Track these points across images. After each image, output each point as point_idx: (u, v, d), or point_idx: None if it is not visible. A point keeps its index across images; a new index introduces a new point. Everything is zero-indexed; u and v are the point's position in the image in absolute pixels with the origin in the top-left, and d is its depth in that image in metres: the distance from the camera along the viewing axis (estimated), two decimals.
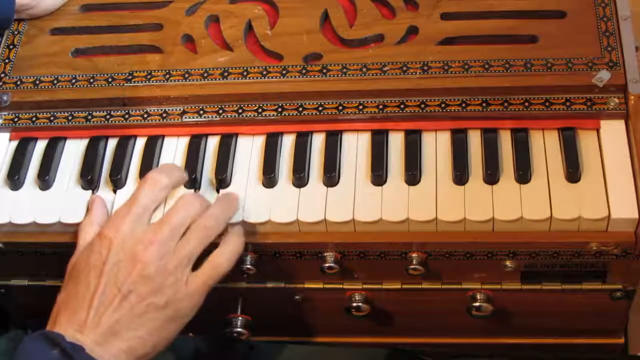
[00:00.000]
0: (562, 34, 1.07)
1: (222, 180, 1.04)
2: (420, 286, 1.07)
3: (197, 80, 1.09)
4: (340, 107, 1.06)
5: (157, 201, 0.96)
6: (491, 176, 1.00)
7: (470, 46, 1.08)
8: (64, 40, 1.16)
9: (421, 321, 1.13)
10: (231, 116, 1.08)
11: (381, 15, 1.13)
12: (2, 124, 1.11)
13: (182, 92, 1.09)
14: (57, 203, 1.05)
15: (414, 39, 1.10)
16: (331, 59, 1.09)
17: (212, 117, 1.08)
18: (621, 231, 0.97)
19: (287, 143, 1.07)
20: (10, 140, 1.11)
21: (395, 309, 1.11)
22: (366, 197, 1.01)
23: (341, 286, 1.08)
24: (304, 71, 1.08)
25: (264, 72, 1.09)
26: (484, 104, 1.04)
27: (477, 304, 1.05)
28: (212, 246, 0.96)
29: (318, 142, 1.06)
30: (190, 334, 1.07)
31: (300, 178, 1.03)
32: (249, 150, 1.07)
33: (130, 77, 1.10)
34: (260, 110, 1.07)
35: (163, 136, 1.09)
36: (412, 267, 1.01)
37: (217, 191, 1.04)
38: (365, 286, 1.07)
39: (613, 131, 1.02)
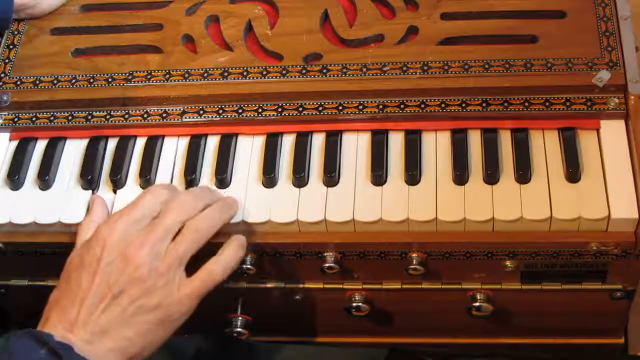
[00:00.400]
0: (562, 34, 1.07)
1: (222, 180, 1.04)
2: (420, 286, 1.07)
3: (197, 80, 1.09)
4: (340, 107, 1.06)
5: (156, 212, 0.95)
6: (491, 176, 1.00)
7: (470, 46, 1.08)
8: (64, 40, 1.16)
9: (421, 321, 1.13)
10: (231, 116, 1.08)
11: (381, 15, 1.13)
12: (2, 124, 1.11)
13: (182, 92, 1.09)
14: (57, 203, 1.05)
15: (414, 39, 1.10)
16: (331, 59, 1.09)
17: (212, 117, 1.08)
18: (621, 231, 0.97)
19: (287, 143, 1.07)
20: (10, 140, 1.11)
21: (395, 309, 1.11)
22: (366, 197, 1.01)
23: (341, 286, 1.08)
24: (304, 71, 1.08)
25: (264, 72, 1.09)
26: (484, 104, 1.04)
27: (477, 304, 1.05)
28: (212, 248, 0.97)
29: (318, 142, 1.06)
30: (189, 334, 1.07)
31: (300, 178, 1.03)
32: (249, 150, 1.07)
33: (130, 77, 1.10)
34: (260, 110, 1.07)
35: (163, 136, 1.09)
36: (412, 267, 1.01)
37: None
38: (365, 286, 1.07)
39: (613, 131, 1.02)
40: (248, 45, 1.13)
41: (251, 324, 1.09)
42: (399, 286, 1.07)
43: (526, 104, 1.03)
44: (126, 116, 1.09)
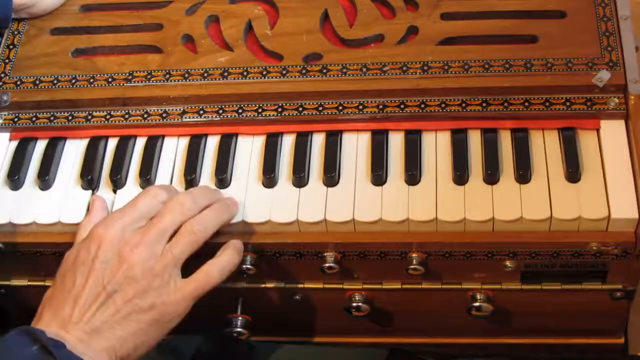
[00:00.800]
0: (562, 34, 1.07)
1: (222, 180, 1.04)
2: (420, 286, 1.07)
3: (197, 80, 1.09)
4: (340, 107, 1.06)
5: (153, 212, 0.95)
6: (491, 176, 1.00)
7: (470, 46, 1.08)
8: (64, 40, 1.16)
9: (421, 321, 1.13)
10: (231, 116, 1.08)
11: (381, 15, 1.13)
12: (2, 124, 1.11)
13: (182, 92, 1.09)
14: (57, 203, 1.05)
15: (414, 39, 1.10)
16: (331, 59, 1.09)
17: (212, 117, 1.08)
18: (621, 231, 0.97)
19: (287, 143, 1.07)
20: (10, 140, 1.11)
21: (395, 309, 1.11)
22: (366, 197, 1.01)
23: (341, 286, 1.08)
24: (304, 71, 1.08)
25: (264, 72, 1.09)
26: (484, 104, 1.04)
27: (477, 304, 1.05)
28: (212, 249, 0.97)
29: (318, 142, 1.06)
30: (189, 334, 1.07)
31: (300, 178, 1.03)
32: (249, 150, 1.07)
33: (130, 77, 1.10)
34: (260, 110, 1.07)
35: (163, 136, 1.09)
36: (412, 267, 1.01)
37: None
38: (365, 286, 1.07)
39: (613, 131, 1.02)
40: (248, 45, 1.13)
41: (251, 324, 1.09)
42: (399, 286, 1.07)
43: (526, 104, 1.03)
44: (126, 116, 1.09)
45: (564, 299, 1.06)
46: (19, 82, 1.12)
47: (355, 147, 1.05)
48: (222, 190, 1.03)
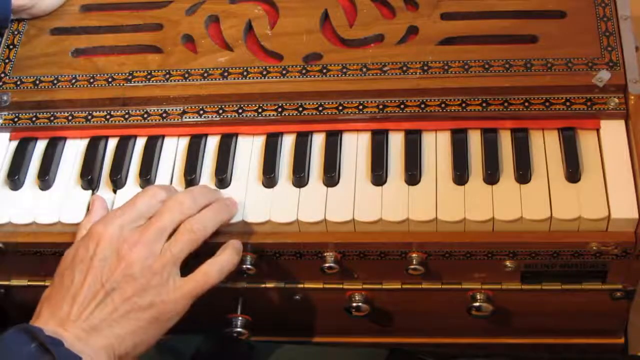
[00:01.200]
0: (562, 34, 1.07)
1: (222, 180, 1.04)
2: (420, 286, 1.07)
3: (197, 80, 1.09)
4: (340, 107, 1.06)
5: (152, 211, 0.95)
6: (491, 176, 1.00)
7: (470, 46, 1.08)
8: (64, 40, 1.16)
9: (421, 321, 1.13)
10: (231, 116, 1.08)
11: (381, 15, 1.13)
12: (2, 124, 1.11)
13: (182, 92, 1.09)
14: (57, 203, 1.05)
15: (414, 39, 1.10)
16: (331, 59, 1.09)
17: (212, 117, 1.08)
18: (621, 231, 0.97)
19: (287, 143, 1.07)
20: (10, 140, 1.11)
21: (395, 309, 1.11)
22: (366, 197, 1.01)
23: (341, 286, 1.08)
24: (304, 71, 1.08)
25: (264, 72, 1.09)
26: (484, 104, 1.04)
27: (477, 304, 1.05)
28: (212, 248, 0.97)
29: (318, 142, 1.06)
30: (189, 334, 1.07)
31: (300, 178, 1.03)
32: (249, 150, 1.07)
33: (130, 77, 1.10)
34: (260, 110, 1.07)
35: (163, 136, 1.09)
36: (412, 267, 1.01)
37: None
38: (365, 286, 1.07)
39: (613, 131, 1.02)
40: (248, 45, 1.13)
41: (251, 324, 1.09)
42: (399, 286, 1.07)
43: (526, 104, 1.03)
44: (126, 116, 1.09)
45: (564, 299, 1.06)
46: (19, 82, 1.12)
47: (355, 147, 1.05)
48: (222, 190, 1.03)
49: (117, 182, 1.06)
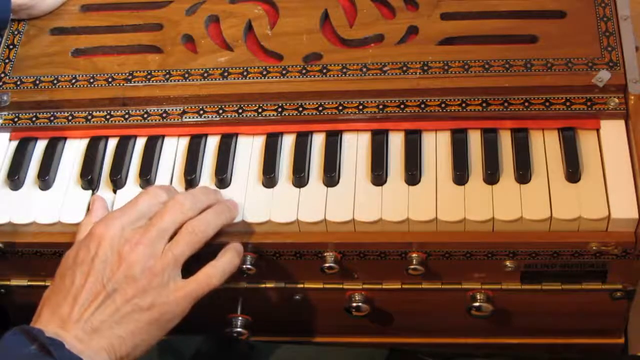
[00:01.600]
0: (562, 34, 1.07)
1: (222, 180, 1.04)
2: (420, 286, 1.07)
3: (197, 80, 1.09)
4: (340, 107, 1.06)
5: (153, 212, 0.95)
6: (491, 176, 1.00)
7: (470, 46, 1.08)
8: (64, 40, 1.16)
9: (421, 321, 1.13)
10: (231, 116, 1.08)
11: (381, 15, 1.13)
12: (2, 124, 1.11)
13: (182, 92, 1.09)
14: (57, 203, 1.05)
15: (414, 39, 1.10)
16: (331, 59, 1.09)
17: (212, 117, 1.08)
18: (621, 231, 0.97)
19: (287, 143, 1.07)
20: (10, 140, 1.11)
21: (395, 309, 1.11)
22: (366, 197, 1.01)
23: (341, 286, 1.08)
24: (304, 71, 1.08)
25: (264, 72, 1.09)
26: (484, 104, 1.04)
27: (477, 304, 1.05)
28: (213, 249, 0.97)
29: (318, 142, 1.06)
30: (189, 334, 1.07)
31: (300, 178, 1.03)
32: (249, 150, 1.07)
33: (130, 77, 1.10)
34: (260, 110, 1.07)
35: (163, 136, 1.09)
36: (412, 267, 1.01)
37: None
38: (365, 286, 1.07)
39: (613, 131, 1.02)
40: (248, 45, 1.13)
41: (251, 324, 1.09)
42: (399, 286, 1.07)
43: (526, 104, 1.03)
44: (126, 116, 1.09)
45: (564, 299, 1.06)
46: (19, 82, 1.12)
47: (355, 147, 1.05)
48: (222, 191, 1.03)
49: (117, 182, 1.06)
